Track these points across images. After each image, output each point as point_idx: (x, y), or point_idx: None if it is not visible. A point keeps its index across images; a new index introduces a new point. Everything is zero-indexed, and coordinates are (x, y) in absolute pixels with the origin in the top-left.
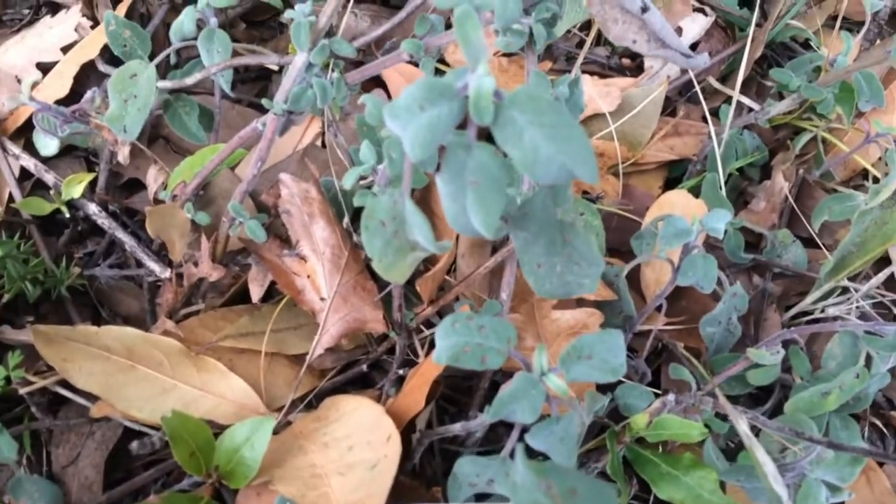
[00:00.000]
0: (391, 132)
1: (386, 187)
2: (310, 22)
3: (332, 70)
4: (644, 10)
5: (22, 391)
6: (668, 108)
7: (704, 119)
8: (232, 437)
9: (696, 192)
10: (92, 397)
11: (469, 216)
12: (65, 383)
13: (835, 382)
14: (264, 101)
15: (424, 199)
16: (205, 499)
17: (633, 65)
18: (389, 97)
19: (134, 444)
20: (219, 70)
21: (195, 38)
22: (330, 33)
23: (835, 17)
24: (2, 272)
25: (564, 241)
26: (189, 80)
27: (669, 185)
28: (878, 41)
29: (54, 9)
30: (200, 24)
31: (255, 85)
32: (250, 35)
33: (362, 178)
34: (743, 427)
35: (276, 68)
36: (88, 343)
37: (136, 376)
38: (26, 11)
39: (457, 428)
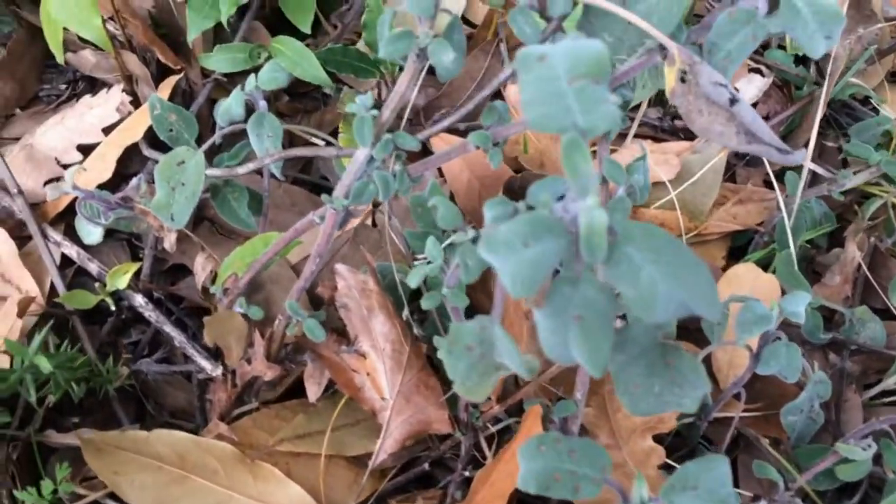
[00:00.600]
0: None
1: (456, 289)
2: (372, 116)
3: (394, 161)
4: (733, 101)
5: None
6: (728, 172)
7: (766, 184)
8: None
9: (763, 263)
10: None
11: (571, 349)
12: (114, 495)
13: None
14: (323, 197)
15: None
16: None
17: (685, 126)
18: (441, 173)
19: None
20: (272, 161)
21: (243, 121)
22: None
23: (894, 73)
24: (48, 378)
25: (666, 365)
26: (241, 170)
27: (732, 254)
28: None
29: (91, 83)
30: (249, 105)
31: (299, 160)
32: (293, 107)
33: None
34: None
35: (321, 143)
36: (139, 451)
37: (191, 488)
38: (63, 87)
39: None
